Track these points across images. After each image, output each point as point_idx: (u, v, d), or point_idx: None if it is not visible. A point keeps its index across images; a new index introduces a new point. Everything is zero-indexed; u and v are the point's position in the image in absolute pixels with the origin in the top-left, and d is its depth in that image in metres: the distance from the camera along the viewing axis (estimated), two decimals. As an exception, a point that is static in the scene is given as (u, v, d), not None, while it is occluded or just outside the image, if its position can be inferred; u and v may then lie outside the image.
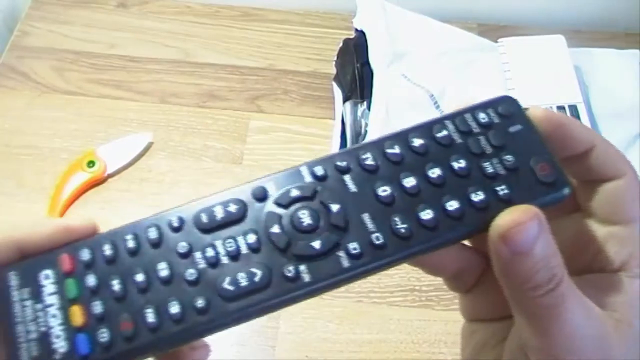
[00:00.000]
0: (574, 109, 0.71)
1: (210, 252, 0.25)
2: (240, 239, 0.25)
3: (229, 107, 0.76)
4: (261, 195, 0.26)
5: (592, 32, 0.82)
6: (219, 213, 0.26)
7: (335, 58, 0.77)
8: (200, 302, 0.24)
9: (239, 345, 0.60)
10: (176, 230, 0.26)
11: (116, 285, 0.25)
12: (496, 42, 0.77)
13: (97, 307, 0.24)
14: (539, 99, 0.72)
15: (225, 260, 0.25)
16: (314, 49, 0.81)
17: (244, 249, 0.25)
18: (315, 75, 0.79)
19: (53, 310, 0.25)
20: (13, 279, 0.25)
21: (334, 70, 0.77)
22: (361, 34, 0.74)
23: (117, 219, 0.64)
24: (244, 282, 0.24)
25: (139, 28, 0.82)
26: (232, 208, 0.26)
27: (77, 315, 0.24)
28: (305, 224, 0.25)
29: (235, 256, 0.25)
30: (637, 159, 0.70)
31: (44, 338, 0.24)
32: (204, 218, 0.26)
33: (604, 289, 0.26)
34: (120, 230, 0.26)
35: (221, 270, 0.25)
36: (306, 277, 0.24)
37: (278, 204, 0.26)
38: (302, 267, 0.25)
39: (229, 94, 0.77)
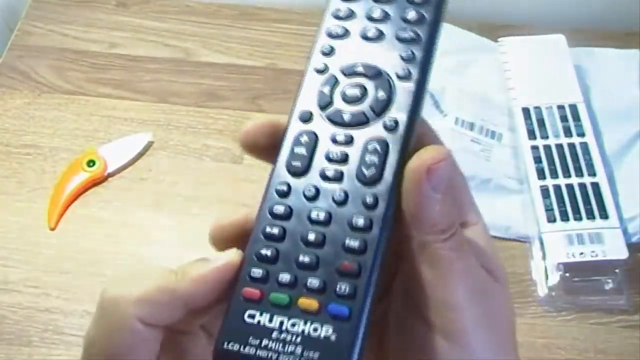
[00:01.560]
0: (574, 108, 0.71)
1: (330, 172, 0.26)
2: (335, 148, 0.26)
3: (229, 107, 0.76)
4: (308, 116, 0.27)
5: (593, 32, 0.81)
6: (302, 150, 0.26)
7: (335, 58, 0.77)
8: (368, 199, 0.25)
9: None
10: (286, 194, 0.26)
11: (302, 257, 0.25)
12: (496, 42, 0.77)
13: (313, 282, 0.24)
14: (539, 99, 0.72)
15: (343, 167, 0.26)
16: (314, 48, 0.81)
17: (347, 150, 0.26)
18: (316, 74, 0.79)
19: (290, 324, 0.24)
20: (233, 346, 0.24)
21: (334, 70, 0.77)
22: (361, 34, 0.74)
23: (117, 219, 0.65)
24: (375, 159, 0.25)
25: (139, 27, 0.82)
26: (305, 139, 0.27)
27: (308, 303, 0.24)
28: (358, 94, 0.27)
29: (344, 159, 0.26)
30: (637, 159, 0.71)
31: (309, 341, 0.23)
32: (298, 163, 0.26)
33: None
34: (257, 229, 0.26)
35: (348, 171, 0.26)
36: (401, 117, 0.26)
37: (323, 107, 0.27)
38: (394, 114, 0.26)
39: (229, 93, 0.77)
